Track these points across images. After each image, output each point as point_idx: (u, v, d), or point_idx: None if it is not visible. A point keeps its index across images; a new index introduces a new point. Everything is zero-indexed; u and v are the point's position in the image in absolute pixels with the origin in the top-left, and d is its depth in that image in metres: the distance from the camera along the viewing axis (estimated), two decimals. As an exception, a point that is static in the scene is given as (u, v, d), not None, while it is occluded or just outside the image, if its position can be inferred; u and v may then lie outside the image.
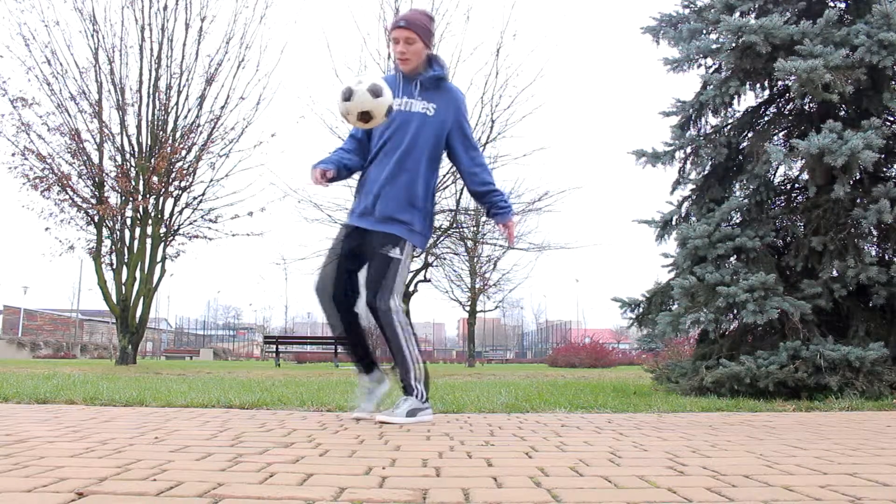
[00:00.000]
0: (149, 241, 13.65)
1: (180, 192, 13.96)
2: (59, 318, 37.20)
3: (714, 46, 4.81)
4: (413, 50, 2.85)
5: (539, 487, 1.45)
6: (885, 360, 4.12)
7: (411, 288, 15.82)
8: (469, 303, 23.16)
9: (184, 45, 13.80)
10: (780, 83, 4.94)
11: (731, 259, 4.78)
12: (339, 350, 18.52)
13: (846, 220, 4.46)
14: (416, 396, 2.83)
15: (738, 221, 4.92)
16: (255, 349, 40.95)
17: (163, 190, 13.50)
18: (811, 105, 4.95)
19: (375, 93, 2.60)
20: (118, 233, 13.59)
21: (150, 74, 13.68)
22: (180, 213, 14.10)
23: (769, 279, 4.24)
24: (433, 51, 3.00)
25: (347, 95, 2.61)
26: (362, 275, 2.91)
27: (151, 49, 13.65)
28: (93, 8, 13.89)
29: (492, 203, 3.01)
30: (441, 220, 15.74)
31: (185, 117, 13.87)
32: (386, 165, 2.85)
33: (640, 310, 5.27)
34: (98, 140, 13.47)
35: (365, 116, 2.63)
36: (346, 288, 2.91)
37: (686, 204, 5.35)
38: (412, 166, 2.85)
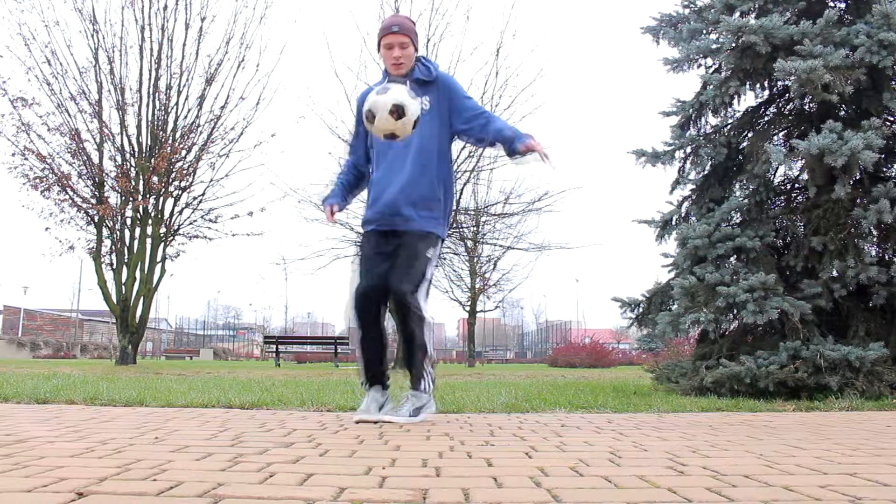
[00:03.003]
0: (149, 241, 13.65)
1: (180, 192, 13.97)
2: (59, 318, 37.21)
3: (714, 46, 4.81)
4: (407, 54, 2.90)
5: (539, 487, 1.45)
6: (885, 360, 4.12)
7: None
8: (469, 303, 23.15)
9: (184, 45, 13.82)
10: (779, 83, 4.94)
11: (731, 259, 4.78)
12: (339, 350, 18.52)
13: (846, 220, 4.46)
14: (424, 390, 2.84)
15: (738, 221, 4.92)
16: (255, 349, 40.95)
17: (163, 190, 13.50)
18: (811, 105, 4.95)
19: (398, 115, 2.61)
20: (118, 233, 13.60)
21: (150, 74, 13.69)
22: (180, 213, 14.12)
23: (769, 279, 4.24)
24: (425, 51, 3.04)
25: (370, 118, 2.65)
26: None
27: (151, 49, 13.67)
28: (93, 8, 13.90)
29: (502, 138, 2.89)
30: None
31: (185, 117, 13.89)
32: (401, 168, 2.86)
33: (640, 310, 5.26)
34: (98, 140, 13.48)
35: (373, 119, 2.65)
36: (384, 302, 2.90)
37: (686, 204, 5.35)
38: (426, 162, 2.87)
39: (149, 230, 13.63)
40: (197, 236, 14.28)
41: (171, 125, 13.75)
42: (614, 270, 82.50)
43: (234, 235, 14.43)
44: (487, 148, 3.16)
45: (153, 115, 13.72)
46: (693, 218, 5.15)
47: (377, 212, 2.90)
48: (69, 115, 13.26)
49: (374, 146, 2.97)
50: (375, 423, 2.71)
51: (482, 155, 14.67)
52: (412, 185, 2.84)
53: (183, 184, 13.80)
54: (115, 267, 13.55)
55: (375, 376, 2.92)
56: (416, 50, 2.96)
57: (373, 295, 2.85)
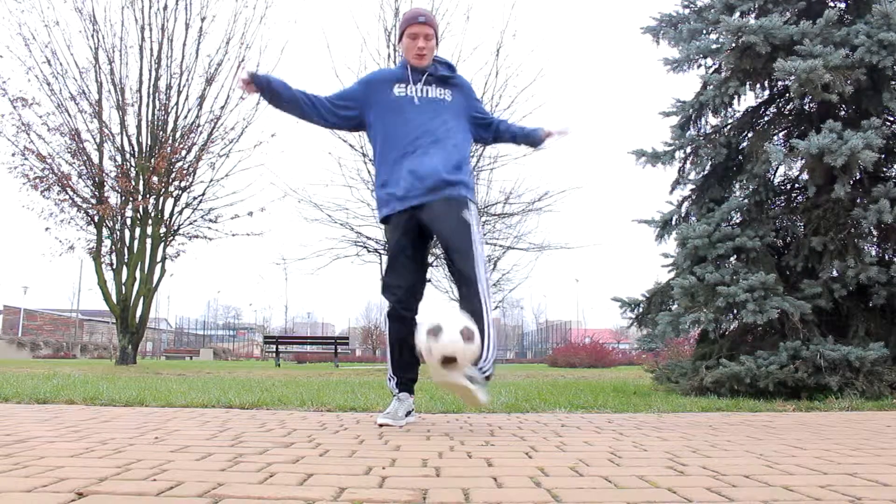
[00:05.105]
0: (149, 241, 13.65)
1: (180, 192, 13.97)
2: (59, 318, 37.20)
3: (714, 46, 4.81)
4: (431, 46, 2.87)
5: (539, 487, 1.45)
6: (885, 360, 4.12)
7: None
8: (469, 303, 23.08)
9: (184, 45, 13.82)
10: (779, 83, 4.94)
11: (731, 259, 4.78)
12: (338, 350, 18.51)
13: (846, 220, 4.46)
14: (488, 375, 2.63)
15: (738, 221, 4.92)
16: (255, 349, 40.93)
17: (163, 190, 13.50)
18: (811, 105, 4.95)
19: (468, 337, 2.34)
20: (118, 233, 13.60)
21: (150, 74, 13.69)
22: (180, 213, 14.12)
23: (769, 279, 4.24)
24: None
25: (436, 332, 2.34)
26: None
27: (151, 49, 13.67)
28: (93, 8, 13.96)
29: (516, 134, 3.11)
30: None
31: (185, 117, 13.89)
32: (434, 153, 2.75)
33: (640, 310, 5.26)
34: (98, 140, 13.48)
35: (449, 361, 2.34)
36: (419, 294, 2.84)
37: (686, 204, 5.35)
38: (457, 143, 2.83)
39: (149, 230, 13.63)
40: (197, 236, 14.29)
41: (171, 125, 13.75)
42: (614, 270, 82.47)
43: (234, 235, 14.43)
44: (490, 144, 3.23)
45: (153, 115, 13.72)
46: (693, 218, 5.15)
47: (408, 183, 2.70)
48: (69, 115, 13.27)
49: (383, 132, 2.84)
50: (401, 427, 2.60)
51: (482, 155, 14.65)
52: (447, 158, 2.76)
53: (183, 184, 13.81)
54: (115, 267, 13.55)
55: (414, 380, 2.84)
56: (437, 45, 2.93)
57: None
